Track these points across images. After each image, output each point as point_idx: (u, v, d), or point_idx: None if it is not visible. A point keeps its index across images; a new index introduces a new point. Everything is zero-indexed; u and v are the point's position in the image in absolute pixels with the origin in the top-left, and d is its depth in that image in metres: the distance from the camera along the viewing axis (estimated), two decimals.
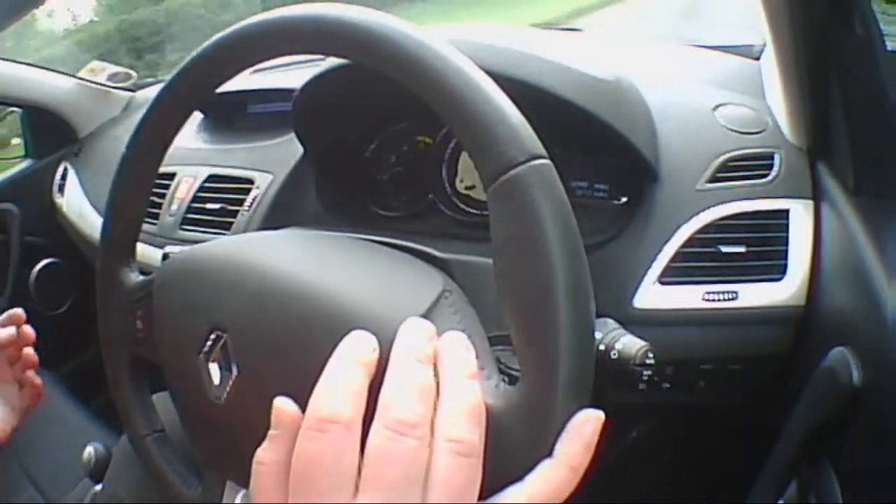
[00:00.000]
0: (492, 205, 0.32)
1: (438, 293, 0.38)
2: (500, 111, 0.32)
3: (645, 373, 0.49)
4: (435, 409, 0.31)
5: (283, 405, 0.32)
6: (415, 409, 0.30)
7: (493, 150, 0.32)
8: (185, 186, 0.97)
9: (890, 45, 0.59)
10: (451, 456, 0.29)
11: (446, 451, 0.29)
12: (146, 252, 0.91)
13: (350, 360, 0.32)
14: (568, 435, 0.31)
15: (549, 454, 0.31)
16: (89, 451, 0.84)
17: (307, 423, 0.30)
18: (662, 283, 0.65)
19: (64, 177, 1.33)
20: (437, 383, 0.31)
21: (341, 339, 0.33)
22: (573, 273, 0.31)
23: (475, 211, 0.77)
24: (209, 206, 0.92)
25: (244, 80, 1.03)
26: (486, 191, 0.33)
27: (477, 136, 0.32)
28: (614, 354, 0.49)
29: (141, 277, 0.50)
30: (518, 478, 0.31)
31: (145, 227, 0.68)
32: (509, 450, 0.31)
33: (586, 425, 0.31)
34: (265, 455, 0.32)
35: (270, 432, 0.32)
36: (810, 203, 0.67)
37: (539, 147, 0.32)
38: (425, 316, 0.36)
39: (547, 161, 0.32)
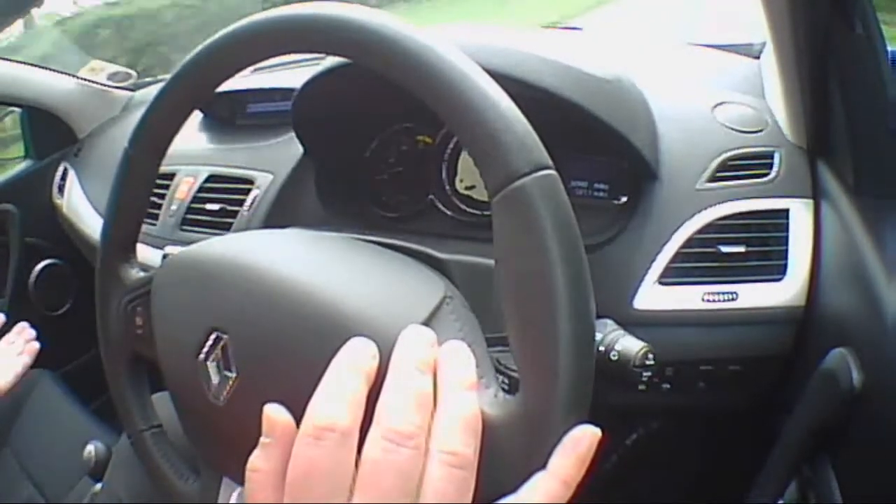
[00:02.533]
0: (496, 215, 0.32)
1: (440, 299, 0.38)
2: (507, 119, 0.32)
3: (645, 374, 0.49)
4: (432, 419, 0.31)
5: (274, 414, 0.32)
6: (411, 420, 0.30)
7: (498, 159, 0.32)
8: (184, 187, 0.97)
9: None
10: (444, 468, 0.29)
11: (440, 463, 0.29)
12: (146, 253, 0.91)
13: (350, 367, 0.32)
14: (563, 449, 0.31)
15: (544, 467, 0.31)
16: (89, 449, 0.84)
17: (304, 430, 0.30)
18: (662, 284, 0.65)
19: (64, 177, 1.33)
20: (436, 393, 0.32)
21: (341, 343, 0.33)
22: (575, 287, 0.31)
23: (475, 211, 0.77)
24: (209, 206, 0.92)
25: (244, 80, 1.03)
26: (490, 200, 0.32)
27: (483, 145, 0.32)
28: (614, 356, 0.49)
29: (141, 274, 0.50)
30: (512, 489, 0.31)
31: (145, 227, 0.68)
32: (505, 461, 0.31)
33: (582, 440, 0.31)
34: (259, 462, 0.32)
35: (262, 440, 0.32)
36: (810, 202, 0.67)
37: (545, 157, 0.32)
38: (426, 323, 0.36)
39: (552, 172, 0.32)
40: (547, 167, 0.32)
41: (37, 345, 0.98)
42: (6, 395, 0.92)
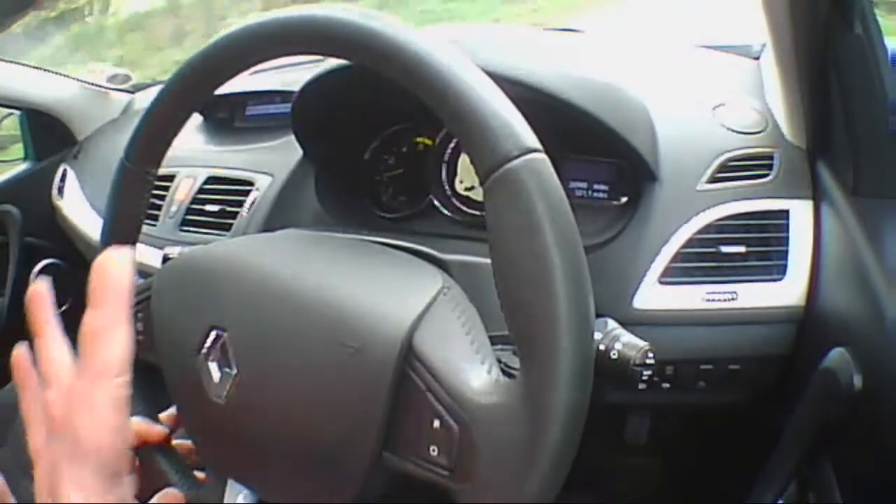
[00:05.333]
0: (488, 199, 0.32)
1: (437, 290, 0.38)
2: (493, 105, 0.32)
3: (645, 373, 0.49)
4: None
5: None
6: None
7: (487, 144, 0.32)
8: (184, 188, 0.97)
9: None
10: None
11: None
12: (146, 253, 0.91)
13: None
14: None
15: (547, 449, 0.30)
16: None
17: None
18: (662, 284, 0.65)
19: (63, 178, 1.33)
20: None
21: (339, 337, 0.33)
22: (570, 265, 0.31)
23: (475, 212, 0.77)
24: (208, 207, 0.92)
25: (244, 82, 1.03)
26: (481, 185, 0.33)
27: (471, 131, 0.32)
28: (614, 355, 0.49)
29: (140, 280, 0.50)
30: (515, 470, 0.31)
31: (145, 228, 0.69)
32: (509, 442, 0.31)
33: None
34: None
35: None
36: (810, 203, 0.67)
37: (534, 140, 0.32)
38: (424, 312, 0.36)
39: (542, 154, 0.32)
40: (536, 149, 0.32)
41: None
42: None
